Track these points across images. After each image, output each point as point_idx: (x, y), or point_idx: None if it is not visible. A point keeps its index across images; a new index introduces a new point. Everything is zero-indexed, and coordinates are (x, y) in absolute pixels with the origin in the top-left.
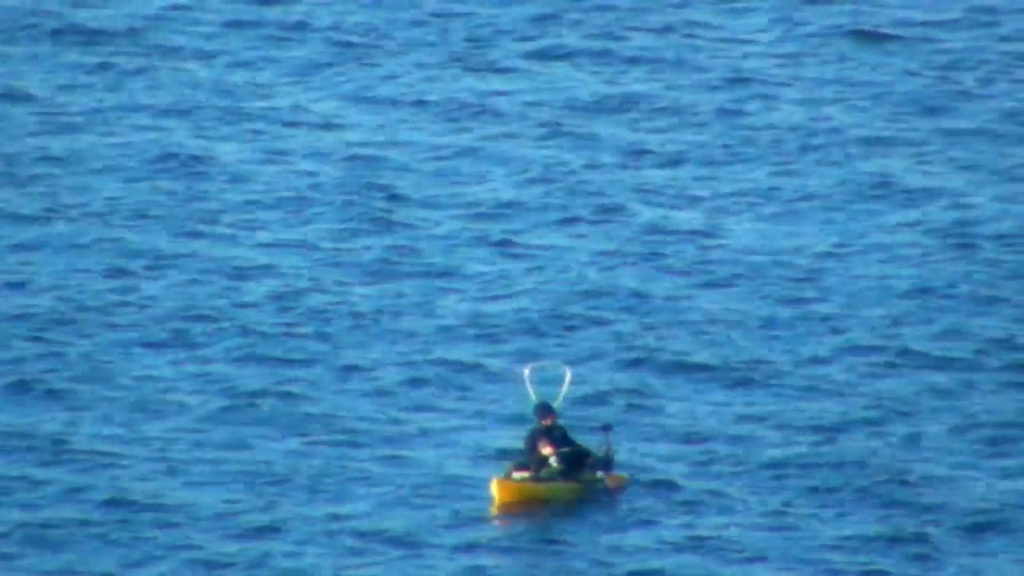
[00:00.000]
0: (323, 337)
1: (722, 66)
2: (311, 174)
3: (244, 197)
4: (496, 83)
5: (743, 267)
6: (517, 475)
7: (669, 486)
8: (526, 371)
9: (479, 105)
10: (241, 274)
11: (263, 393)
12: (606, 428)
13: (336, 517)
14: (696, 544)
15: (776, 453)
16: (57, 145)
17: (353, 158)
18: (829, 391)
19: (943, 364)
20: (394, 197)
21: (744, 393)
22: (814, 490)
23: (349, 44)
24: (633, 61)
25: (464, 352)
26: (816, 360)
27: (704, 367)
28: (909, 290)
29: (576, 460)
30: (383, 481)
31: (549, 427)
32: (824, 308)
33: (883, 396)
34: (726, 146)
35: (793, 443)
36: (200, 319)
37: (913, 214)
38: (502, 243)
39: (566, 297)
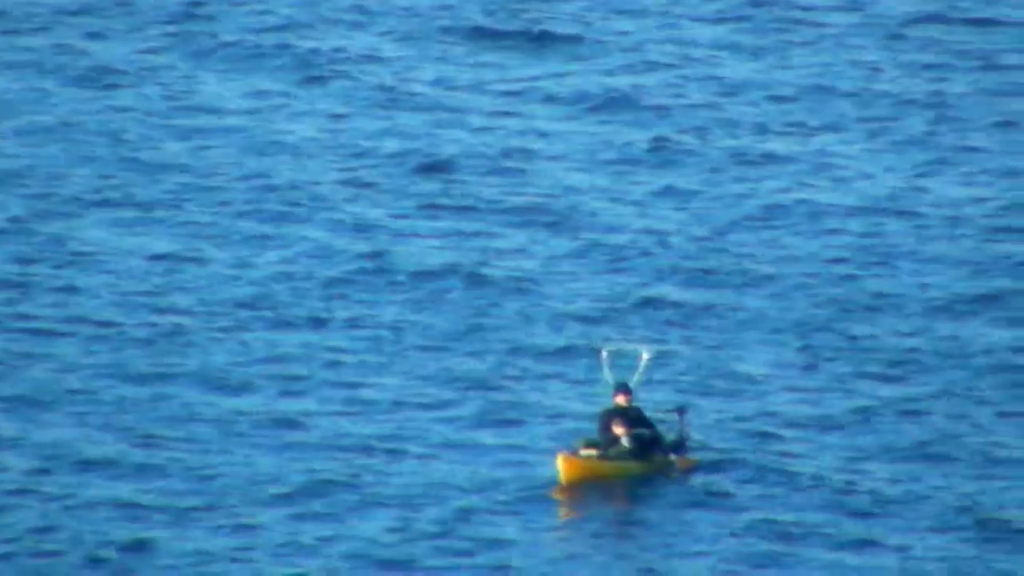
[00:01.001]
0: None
1: None
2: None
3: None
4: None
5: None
6: (584, 452)
7: (738, 469)
8: (604, 352)
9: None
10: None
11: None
12: (681, 411)
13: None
14: (756, 529)
15: (852, 438)
16: None
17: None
18: (914, 368)
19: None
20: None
21: (813, 374)
22: (894, 480)
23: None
24: None
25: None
26: (903, 334)
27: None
28: None
29: (648, 442)
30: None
31: (624, 407)
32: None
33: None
34: None
35: (870, 424)
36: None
37: None
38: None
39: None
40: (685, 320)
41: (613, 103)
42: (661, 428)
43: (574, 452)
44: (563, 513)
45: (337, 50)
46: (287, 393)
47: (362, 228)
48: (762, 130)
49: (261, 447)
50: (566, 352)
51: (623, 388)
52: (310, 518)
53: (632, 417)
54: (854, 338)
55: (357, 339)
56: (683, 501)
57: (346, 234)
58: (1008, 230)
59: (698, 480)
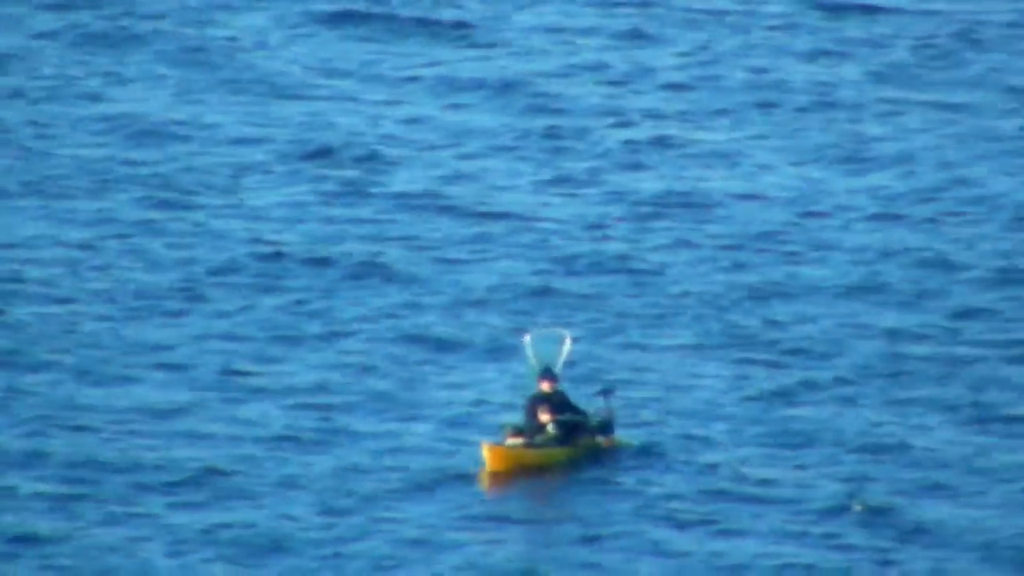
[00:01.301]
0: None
1: None
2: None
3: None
4: None
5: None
6: (511, 441)
7: (637, 456)
8: (527, 337)
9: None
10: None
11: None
12: (606, 392)
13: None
14: (649, 514)
15: (768, 425)
16: None
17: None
18: (807, 356)
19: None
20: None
21: (706, 362)
22: (801, 465)
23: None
24: None
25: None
26: (796, 322)
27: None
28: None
29: (574, 427)
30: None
31: (548, 393)
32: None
33: (856, 364)
34: None
35: (776, 412)
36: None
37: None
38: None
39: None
40: (580, 308)
41: (506, 90)
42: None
43: (500, 441)
44: (480, 500)
45: (228, 38)
46: (171, 383)
47: (254, 216)
48: (656, 116)
49: (147, 436)
50: (465, 338)
51: (547, 374)
52: (196, 507)
53: (557, 402)
54: (747, 326)
55: (250, 326)
56: (588, 488)
57: (236, 221)
58: (897, 218)
59: (596, 466)
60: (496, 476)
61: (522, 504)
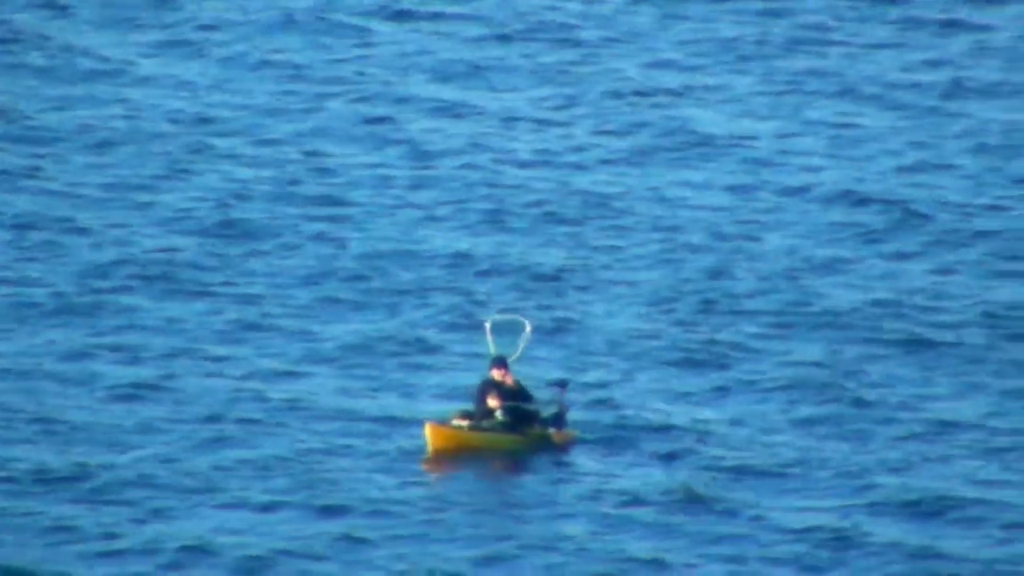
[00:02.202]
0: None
1: None
2: None
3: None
4: None
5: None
6: (456, 423)
7: (600, 441)
8: (487, 323)
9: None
10: None
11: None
12: (561, 384)
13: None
14: (612, 498)
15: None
16: None
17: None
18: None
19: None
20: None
21: (668, 346)
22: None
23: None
24: None
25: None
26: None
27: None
28: None
29: (523, 416)
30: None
31: (500, 380)
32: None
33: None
34: None
35: (725, 393)
36: None
37: None
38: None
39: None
40: (537, 289)
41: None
42: (540, 401)
43: (445, 422)
44: (424, 482)
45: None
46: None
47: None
48: (626, 97)
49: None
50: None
51: (499, 362)
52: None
53: (508, 390)
54: (709, 302)
55: (198, 313)
56: (547, 471)
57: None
58: (847, 197)
59: (563, 450)
60: (438, 456)
61: (462, 487)
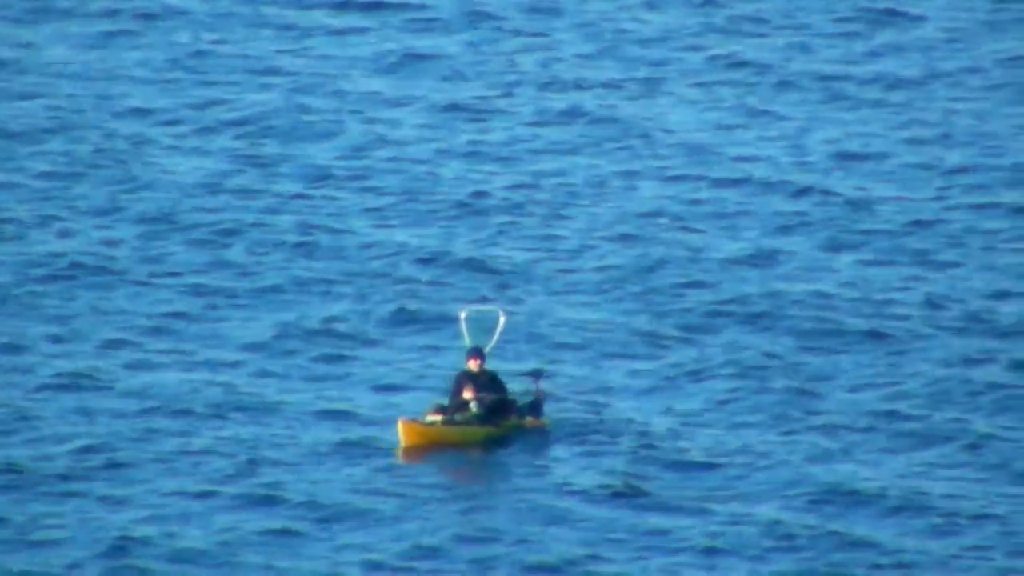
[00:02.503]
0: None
1: None
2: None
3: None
4: None
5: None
6: (431, 418)
7: (566, 433)
8: (462, 314)
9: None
10: None
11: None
12: (536, 374)
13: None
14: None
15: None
16: None
17: None
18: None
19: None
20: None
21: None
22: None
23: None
24: None
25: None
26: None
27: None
28: None
29: (497, 407)
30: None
31: (475, 372)
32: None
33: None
34: None
35: (691, 384)
36: None
37: None
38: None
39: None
40: (504, 283)
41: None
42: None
43: (419, 418)
44: (358, 474)
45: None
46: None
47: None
48: (565, 88)
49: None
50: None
51: (475, 352)
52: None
53: (483, 381)
54: (646, 294)
55: (165, 302)
56: (482, 463)
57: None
58: (785, 187)
59: (530, 442)
60: (410, 452)
61: (435, 479)
